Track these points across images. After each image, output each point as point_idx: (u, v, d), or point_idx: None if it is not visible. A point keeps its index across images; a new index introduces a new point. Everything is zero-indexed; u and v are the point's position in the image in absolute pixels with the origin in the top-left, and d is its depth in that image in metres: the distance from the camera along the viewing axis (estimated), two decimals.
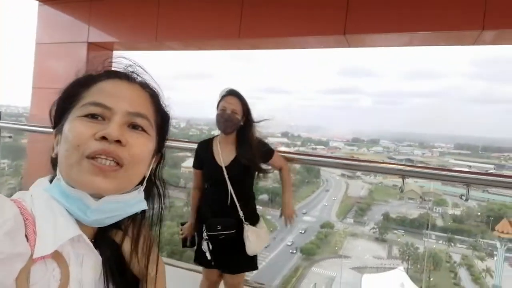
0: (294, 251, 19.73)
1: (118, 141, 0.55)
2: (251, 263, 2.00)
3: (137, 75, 0.63)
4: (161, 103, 0.65)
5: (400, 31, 2.44)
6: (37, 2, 3.87)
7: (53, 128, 0.62)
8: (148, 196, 0.65)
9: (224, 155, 1.99)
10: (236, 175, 1.96)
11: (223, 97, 1.99)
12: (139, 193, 0.61)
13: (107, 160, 0.54)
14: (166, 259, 2.68)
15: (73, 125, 0.56)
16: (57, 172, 0.58)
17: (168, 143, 0.69)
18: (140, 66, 0.64)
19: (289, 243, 20.00)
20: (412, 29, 2.40)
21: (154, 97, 0.64)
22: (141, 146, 0.58)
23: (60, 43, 3.69)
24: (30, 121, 3.86)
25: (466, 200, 2.17)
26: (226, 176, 1.94)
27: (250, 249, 1.91)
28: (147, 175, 0.63)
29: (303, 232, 20.73)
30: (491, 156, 33.23)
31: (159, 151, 0.66)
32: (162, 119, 0.65)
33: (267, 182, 2.12)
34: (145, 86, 0.63)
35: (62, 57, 3.59)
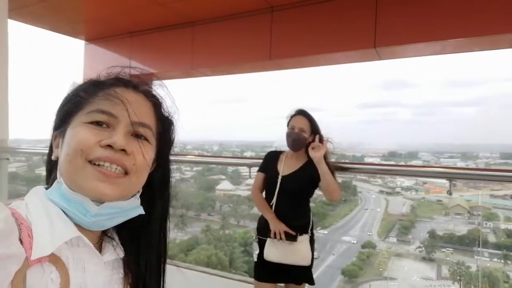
0: None
1: (123, 150, 0.56)
2: (308, 275, 2.02)
3: (142, 84, 0.64)
4: (163, 111, 0.66)
5: (431, 40, 2.43)
6: (83, 41, 4.25)
7: (54, 129, 0.62)
8: (148, 202, 0.65)
9: (286, 166, 2.08)
10: (291, 186, 2.02)
11: (292, 117, 2.09)
12: (136, 200, 0.62)
13: (112, 166, 0.55)
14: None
15: (78, 130, 0.56)
16: (58, 175, 0.57)
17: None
18: (146, 82, 0.66)
19: None
20: (443, 37, 2.39)
21: (157, 106, 0.65)
22: (145, 155, 0.59)
23: None
24: None
25: None
26: (278, 185, 2.02)
27: (298, 259, 1.95)
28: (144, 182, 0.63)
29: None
30: None
31: (158, 158, 0.66)
32: (163, 127, 0.66)
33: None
34: (149, 95, 0.64)
35: None
